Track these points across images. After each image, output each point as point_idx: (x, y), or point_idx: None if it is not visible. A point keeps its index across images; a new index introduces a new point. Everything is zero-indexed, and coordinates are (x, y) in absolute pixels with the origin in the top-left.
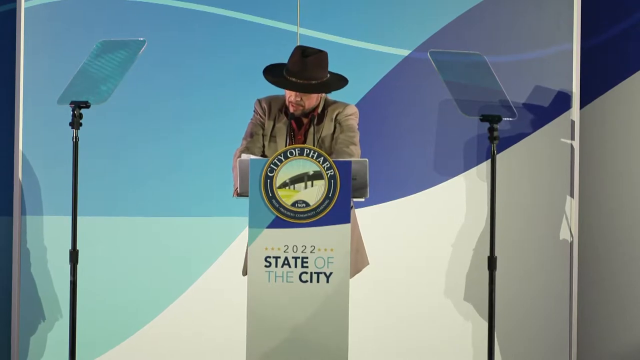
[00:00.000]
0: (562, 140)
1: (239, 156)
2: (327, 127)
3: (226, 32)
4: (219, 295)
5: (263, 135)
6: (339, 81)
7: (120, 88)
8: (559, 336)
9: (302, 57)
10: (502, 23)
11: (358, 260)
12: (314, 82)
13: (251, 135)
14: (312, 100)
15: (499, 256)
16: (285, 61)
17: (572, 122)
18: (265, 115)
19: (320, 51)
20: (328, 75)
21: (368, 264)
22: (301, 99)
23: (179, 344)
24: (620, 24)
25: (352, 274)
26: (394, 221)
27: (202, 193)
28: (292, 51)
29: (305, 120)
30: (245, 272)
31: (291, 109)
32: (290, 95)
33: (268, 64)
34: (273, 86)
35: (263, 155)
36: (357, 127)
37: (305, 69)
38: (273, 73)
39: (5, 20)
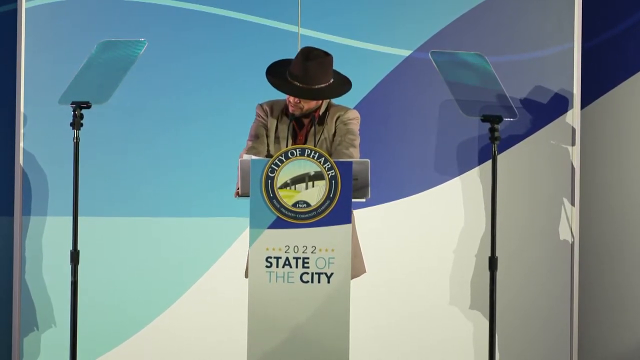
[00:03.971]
0: (563, 140)
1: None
2: (328, 129)
3: (227, 33)
4: (220, 296)
5: (267, 136)
6: (342, 85)
7: (121, 88)
8: (560, 336)
9: (304, 62)
10: (503, 23)
11: (355, 266)
12: (314, 86)
13: (256, 136)
14: (312, 103)
15: (500, 256)
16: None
17: (573, 123)
18: (267, 117)
19: (326, 55)
20: (331, 80)
21: (365, 272)
22: (300, 101)
23: (180, 345)
24: (621, 24)
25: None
26: (395, 221)
27: (203, 193)
28: (297, 53)
29: (305, 121)
30: (247, 275)
31: (290, 110)
32: (289, 96)
33: (269, 64)
34: (271, 90)
35: (268, 155)
36: (357, 131)
37: (306, 74)
38: (275, 74)
39: (6, 21)
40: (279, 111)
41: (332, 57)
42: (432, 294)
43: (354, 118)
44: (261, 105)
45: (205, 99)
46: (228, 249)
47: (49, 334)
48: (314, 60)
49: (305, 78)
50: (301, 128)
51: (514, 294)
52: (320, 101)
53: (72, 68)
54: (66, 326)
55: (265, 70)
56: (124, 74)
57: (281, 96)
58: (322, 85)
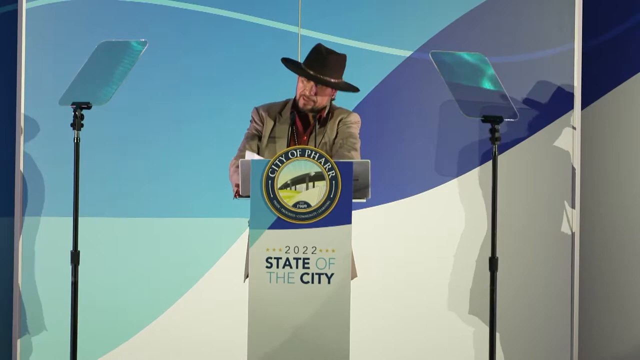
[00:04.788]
0: (564, 141)
1: (234, 164)
2: (330, 132)
3: (228, 33)
4: (220, 296)
5: (260, 139)
6: (351, 86)
7: (121, 89)
8: (561, 335)
9: (326, 54)
10: (504, 24)
11: None
12: (332, 79)
13: (249, 142)
14: (325, 98)
15: (500, 256)
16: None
17: (574, 123)
18: (262, 121)
19: (340, 53)
20: (341, 80)
21: (356, 276)
22: (316, 93)
23: (180, 346)
24: (622, 25)
25: None
26: (396, 221)
27: (203, 194)
28: (313, 47)
29: (310, 122)
30: (246, 279)
31: (301, 103)
32: (304, 89)
33: (269, 64)
34: (272, 90)
35: None
36: (358, 135)
37: (327, 65)
38: (292, 62)
39: (6, 21)
40: (276, 113)
41: (346, 56)
42: (433, 294)
43: (356, 122)
44: (257, 109)
45: (205, 99)
46: (228, 249)
47: (50, 335)
48: (334, 54)
49: (324, 69)
50: (306, 128)
51: (514, 294)
52: (328, 99)
53: (73, 69)
54: (66, 326)
55: (264, 71)
56: (124, 75)
57: (278, 99)
58: (337, 80)
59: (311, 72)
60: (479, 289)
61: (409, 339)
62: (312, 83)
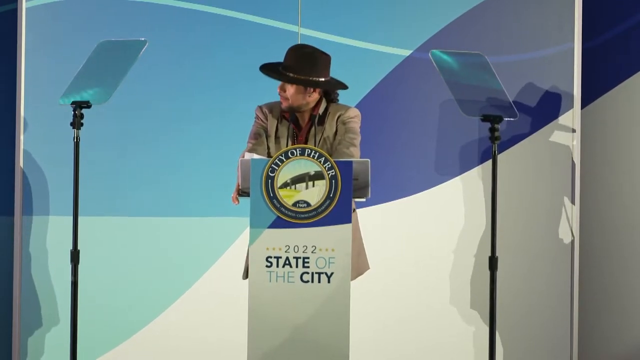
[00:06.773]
0: (563, 140)
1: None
2: (329, 129)
3: (227, 32)
4: (220, 296)
5: (267, 137)
6: (336, 84)
7: (121, 88)
8: (561, 335)
9: (294, 52)
10: (504, 23)
11: (360, 264)
12: (302, 77)
13: (255, 137)
14: (298, 97)
15: (500, 256)
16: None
17: (573, 123)
18: (266, 119)
19: (323, 52)
20: (323, 79)
21: (369, 268)
22: (285, 91)
23: (180, 345)
24: (622, 24)
25: (354, 277)
26: (396, 221)
27: (203, 193)
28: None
29: (303, 123)
30: (245, 276)
31: (282, 104)
32: (278, 89)
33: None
34: (272, 90)
35: (269, 156)
36: (358, 130)
37: (295, 63)
38: (269, 66)
39: (6, 21)
40: (279, 112)
41: (327, 56)
42: (433, 294)
43: (354, 116)
44: (260, 107)
45: (205, 98)
46: (228, 248)
47: (50, 334)
48: (305, 50)
49: (294, 67)
50: (300, 130)
51: (514, 293)
52: (312, 98)
53: (73, 68)
54: (66, 326)
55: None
56: (124, 74)
57: (277, 99)
58: (313, 77)
59: (285, 73)
60: (479, 287)
61: (409, 338)
62: (280, 83)
